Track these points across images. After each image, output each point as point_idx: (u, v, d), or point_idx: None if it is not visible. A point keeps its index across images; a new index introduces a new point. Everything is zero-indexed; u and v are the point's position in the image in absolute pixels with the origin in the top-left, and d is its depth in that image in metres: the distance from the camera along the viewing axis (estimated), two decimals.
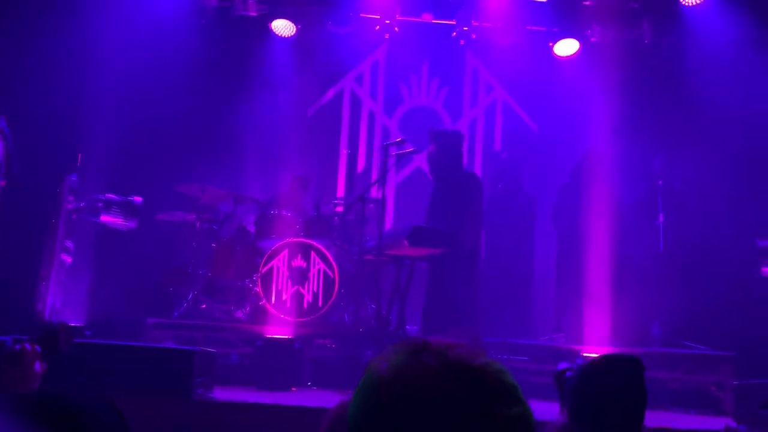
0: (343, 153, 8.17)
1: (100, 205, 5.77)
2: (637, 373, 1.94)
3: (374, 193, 6.12)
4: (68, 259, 5.94)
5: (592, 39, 7.56)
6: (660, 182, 6.39)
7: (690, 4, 6.91)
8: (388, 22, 7.74)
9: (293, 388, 4.86)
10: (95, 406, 0.95)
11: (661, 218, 6.30)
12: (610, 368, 1.97)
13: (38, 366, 1.89)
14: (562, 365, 2.13)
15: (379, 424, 0.84)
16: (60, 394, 0.94)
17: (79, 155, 5.78)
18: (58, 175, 5.75)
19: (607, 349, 5.10)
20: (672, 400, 4.98)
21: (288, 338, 5.20)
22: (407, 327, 5.55)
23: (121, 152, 6.47)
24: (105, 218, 5.79)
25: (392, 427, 0.82)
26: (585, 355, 5.06)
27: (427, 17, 7.88)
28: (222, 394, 4.21)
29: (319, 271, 5.83)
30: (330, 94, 8.29)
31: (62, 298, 5.70)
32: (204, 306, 6.15)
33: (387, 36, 7.88)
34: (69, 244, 5.94)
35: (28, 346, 1.89)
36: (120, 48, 6.36)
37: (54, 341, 1.95)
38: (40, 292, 5.68)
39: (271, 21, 7.54)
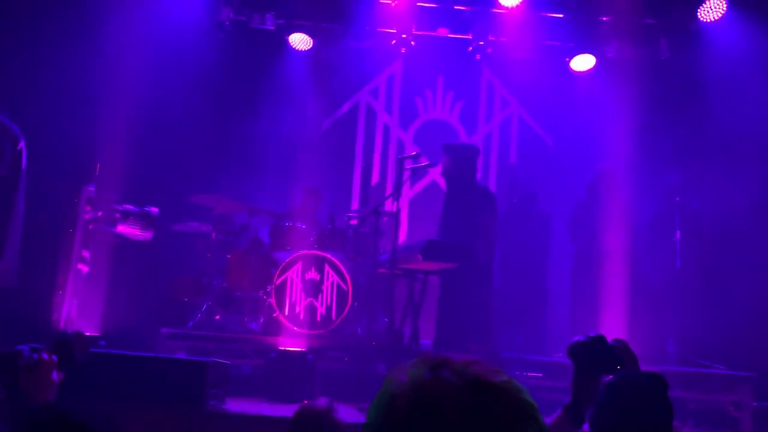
0: (358, 166, 8.19)
1: (117, 215, 5.81)
2: (661, 391, 1.90)
3: (388, 206, 6.12)
4: (85, 269, 5.99)
5: (609, 54, 7.54)
6: (677, 199, 6.34)
7: (708, 20, 6.88)
8: (404, 36, 7.78)
9: (305, 401, 4.84)
10: (97, 422, 0.97)
11: (677, 235, 6.24)
12: (633, 387, 1.93)
13: (55, 375, 1.91)
14: (577, 337, 2.10)
15: None
16: (63, 410, 0.95)
17: (97, 165, 5.83)
18: (75, 186, 5.81)
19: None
20: (688, 419, 4.91)
21: (301, 350, 5.19)
22: (420, 341, 5.52)
23: (138, 163, 6.52)
24: (122, 228, 5.83)
25: None
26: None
27: (442, 32, 7.91)
28: (234, 405, 4.20)
29: (332, 283, 5.82)
30: (346, 107, 8.33)
31: (78, 308, 5.74)
32: (218, 317, 6.16)
33: (403, 50, 7.92)
34: (86, 253, 5.99)
35: (45, 355, 1.90)
36: (138, 60, 6.43)
37: (69, 351, 1.97)
38: (56, 302, 5.72)
39: (288, 35, 7.60)
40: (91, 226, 6.00)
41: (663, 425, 1.87)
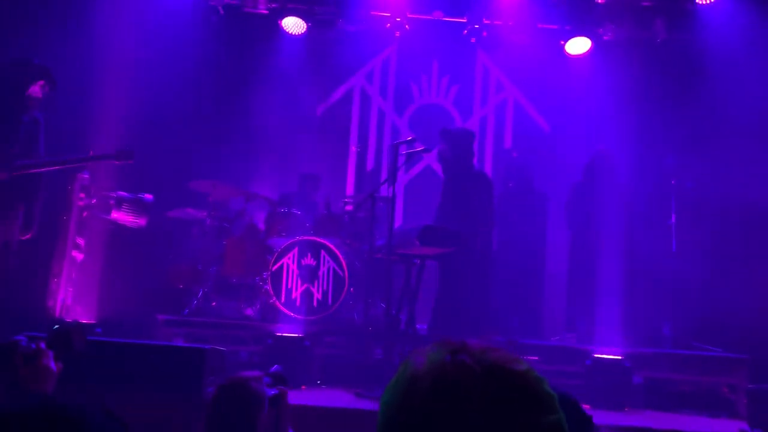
0: (353, 151, 8.16)
1: (112, 202, 5.78)
2: (573, 408, 1.80)
3: (384, 191, 6.11)
4: (79, 256, 5.96)
5: (605, 37, 7.51)
6: (673, 182, 6.34)
7: (704, 2, 6.84)
8: (398, 20, 7.72)
9: (303, 387, 4.86)
10: (95, 414, 0.96)
11: (673, 218, 6.26)
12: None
13: (53, 365, 1.90)
14: None
15: (414, 418, 0.84)
16: (60, 403, 0.95)
17: (91, 152, 5.78)
18: (69, 173, 5.77)
19: (618, 350, 5.07)
20: (683, 401, 4.95)
21: (298, 336, 5.20)
22: (417, 326, 5.53)
23: (132, 150, 6.47)
24: (116, 215, 5.80)
25: (426, 422, 0.82)
26: (596, 355, 5.04)
27: (438, 15, 7.85)
28: None
29: (329, 269, 5.82)
30: (340, 92, 8.28)
31: (73, 295, 5.73)
32: (214, 303, 6.16)
33: (398, 34, 7.87)
34: (80, 241, 5.96)
35: (43, 345, 1.90)
36: (130, 46, 6.37)
37: (68, 340, 1.96)
38: (51, 289, 5.70)
39: (282, 18, 7.53)
40: (85, 214, 5.96)
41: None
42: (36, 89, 4.66)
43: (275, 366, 2.65)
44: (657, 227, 6.35)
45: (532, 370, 0.87)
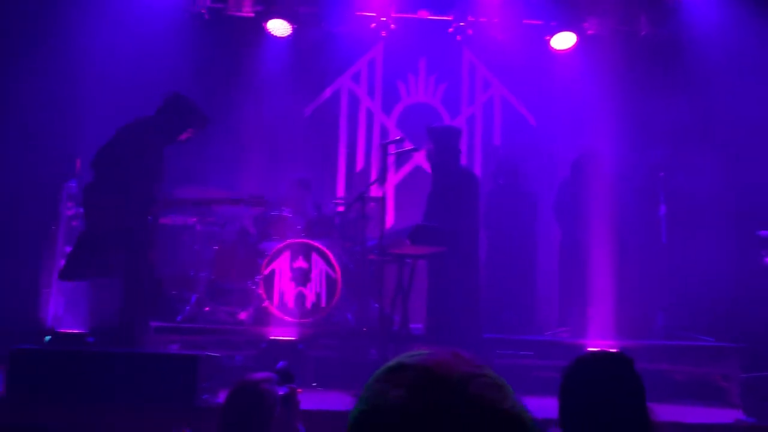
0: (342, 152, 8.15)
1: None
2: (627, 366, 1.89)
3: (374, 191, 6.10)
4: None
5: (589, 32, 7.53)
6: (661, 174, 6.38)
7: None
8: (383, 19, 7.71)
9: (299, 390, 4.84)
10: None
11: (662, 210, 6.29)
12: (597, 366, 1.91)
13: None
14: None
15: None
16: None
17: (78, 161, 5.75)
18: (56, 182, 5.74)
19: (611, 343, 5.09)
20: (677, 392, 4.97)
21: (292, 339, 5.19)
22: (410, 326, 5.53)
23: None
24: None
25: None
26: (589, 349, 5.06)
27: (423, 14, 7.85)
28: None
29: (321, 271, 5.81)
30: (327, 93, 8.27)
31: (64, 305, 5.69)
32: (208, 309, 6.13)
33: (383, 33, 7.86)
34: (69, 250, 5.92)
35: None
36: (114, 51, 6.33)
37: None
38: (41, 300, 5.66)
39: (267, 21, 7.51)
40: (74, 223, 5.93)
41: (634, 402, 1.85)
42: (188, 134, 4.69)
43: (281, 362, 2.66)
44: (646, 219, 6.38)
45: (517, 401, 0.80)
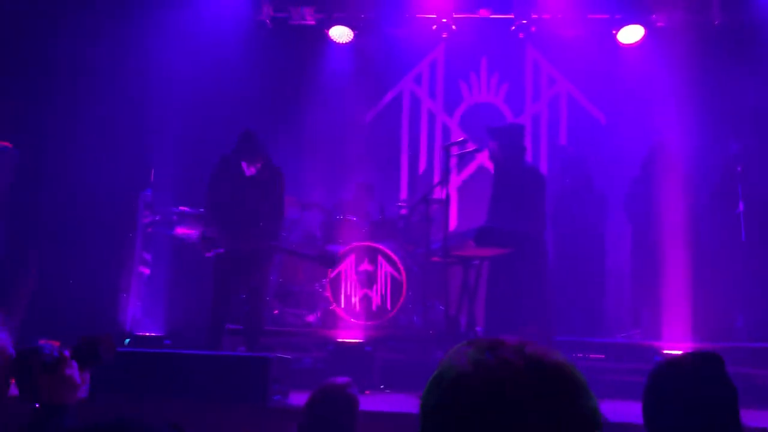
0: (405, 155, 8.17)
1: (175, 218, 5.97)
2: (719, 368, 1.80)
3: (438, 193, 6.09)
4: (146, 271, 6.18)
5: (658, 24, 7.29)
6: (738, 169, 6.09)
7: None
8: (444, 20, 7.70)
9: (366, 392, 4.88)
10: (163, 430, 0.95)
11: (741, 206, 6.00)
12: (688, 367, 1.83)
13: (78, 376, 1.77)
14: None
15: (461, 419, 0.85)
16: (130, 420, 0.94)
17: (152, 171, 5.99)
18: (133, 192, 5.98)
19: (688, 345, 4.90)
20: (759, 397, 4.73)
21: (359, 342, 5.24)
22: (477, 328, 5.49)
23: (190, 165, 6.66)
24: (179, 230, 5.99)
25: (480, 421, 0.83)
26: (665, 352, 4.88)
27: (484, 13, 7.78)
28: (298, 398, 4.26)
29: (386, 274, 5.84)
30: (389, 96, 8.31)
31: (142, 309, 5.93)
32: (276, 311, 6.27)
33: (444, 34, 7.84)
34: (147, 256, 6.18)
35: (67, 353, 1.77)
36: (183, 63, 6.55)
37: (94, 350, 1.81)
38: (120, 304, 5.92)
39: (329, 28, 7.62)
40: (150, 230, 6.18)
41: (728, 405, 1.78)
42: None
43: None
44: (724, 217, 6.11)
45: (566, 359, 0.90)
